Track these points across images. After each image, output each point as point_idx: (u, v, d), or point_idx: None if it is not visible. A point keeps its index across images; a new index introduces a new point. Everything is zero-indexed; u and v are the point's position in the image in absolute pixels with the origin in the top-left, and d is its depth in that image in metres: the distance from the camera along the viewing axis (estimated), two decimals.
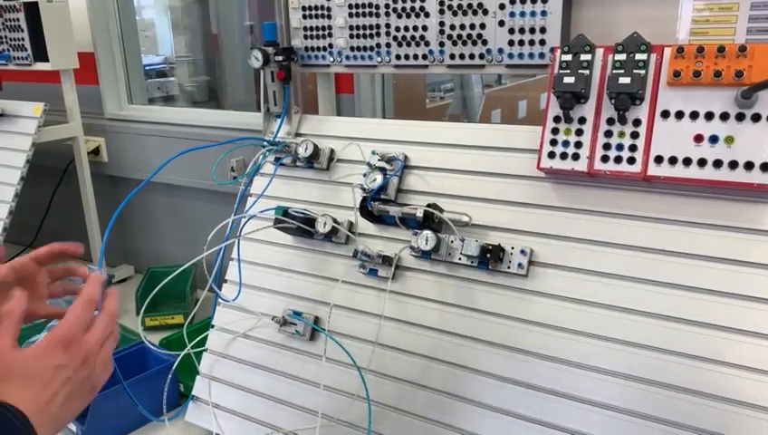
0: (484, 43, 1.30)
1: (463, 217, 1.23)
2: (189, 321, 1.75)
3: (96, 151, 2.32)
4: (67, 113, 2.11)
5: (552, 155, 1.15)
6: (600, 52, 1.12)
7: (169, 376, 1.43)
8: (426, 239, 1.23)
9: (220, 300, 1.49)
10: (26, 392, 0.66)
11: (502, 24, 1.27)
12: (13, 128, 2.04)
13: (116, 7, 2.31)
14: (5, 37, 2.05)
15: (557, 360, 1.12)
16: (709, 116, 1.02)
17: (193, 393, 1.47)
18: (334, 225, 1.34)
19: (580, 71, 1.12)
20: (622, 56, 1.09)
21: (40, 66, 2.02)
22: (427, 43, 1.36)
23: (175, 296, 2.01)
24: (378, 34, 1.42)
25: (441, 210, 1.25)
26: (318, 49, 1.51)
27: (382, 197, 1.33)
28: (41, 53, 1.99)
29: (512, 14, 1.26)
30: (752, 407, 0.96)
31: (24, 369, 0.68)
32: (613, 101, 1.09)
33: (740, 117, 1.00)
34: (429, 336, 1.25)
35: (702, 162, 1.03)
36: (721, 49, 1.01)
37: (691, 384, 1.01)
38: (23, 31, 1.99)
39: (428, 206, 1.24)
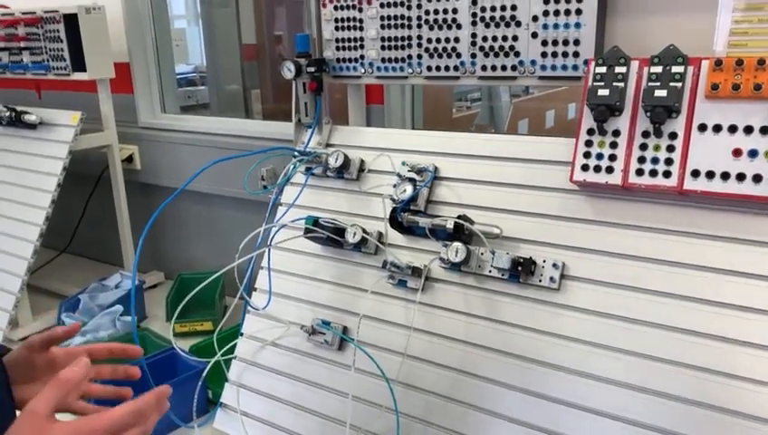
0: (517, 54, 1.29)
1: (494, 230, 1.23)
2: (219, 328, 1.77)
3: (130, 159, 2.37)
4: (102, 122, 2.16)
5: (585, 168, 1.14)
6: (635, 64, 1.11)
7: (200, 383, 1.45)
8: (456, 251, 1.22)
9: (250, 308, 1.50)
10: None
11: (535, 35, 1.27)
12: (51, 136, 2.09)
13: (151, 19, 2.36)
14: (45, 48, 2.11)
15: (589, 376, 1.10)
16: (748, 130, 1.00)
17: (221, 400, 1.49)
18: (364, 235, 1.35)
19: (614, 83, 1.11)
20: (658, 69, 1.08)
21: (78, 76, 2.07)
22: (458, 55, 1.36)
23: (204, 303, 2.03)
24: (409, 46, 1.42)
25: (472, 222, 1.25)
26: (349, 60, 1.52)
27: (412, 208, 1.33)
28: (79, 63, 2.04)
29: (545, 26, 1.25)
30: None
31: None
32: (649, 114, 1.07)
33: None
34: (458, 349, 1.24)
35: (741, 177, 1.01)
36: (761, 62, 0.99)
37: (728, 404, 0.98)
38: (62, 41, 2.05)
39: (459, 217, 1.24)
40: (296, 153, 1.49)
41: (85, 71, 2.04)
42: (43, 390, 0.68)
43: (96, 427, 0.67)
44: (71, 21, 2.01)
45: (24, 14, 2.11)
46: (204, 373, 1.46)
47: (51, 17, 2.04)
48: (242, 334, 1.52)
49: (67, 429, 0.66)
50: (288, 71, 1.50)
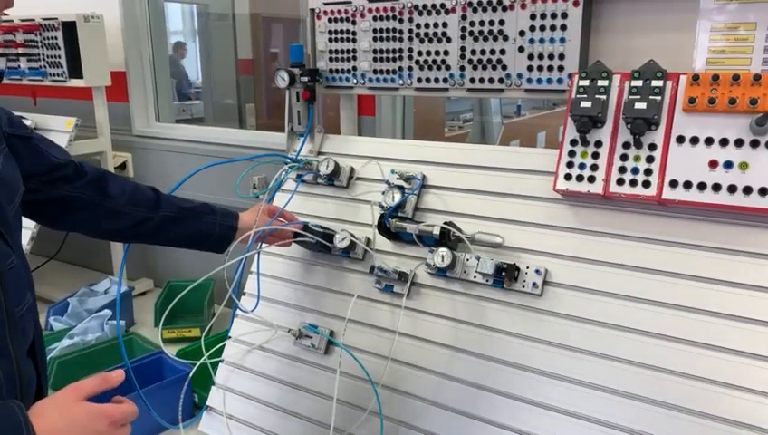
0: (504, 67, 1.33)
1: (495, 239, 1.22)
2: (206, 334, 1.78)
3: (123, 166, 2.39)
4: (97, 129, 2.19)
5: (568, 177, 1.18)
6: (616, 78, 1.15)
7: (186, 384, 1.45)
8: (442, 257, 1.25)
9: (238, 311, 1.52)
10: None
11: (521, 50, 1.31)
12: None
13: (149, 29, 2.40)
14: (43, 54, 2.14)
15: (570, 380, 1.12)
16: (724, 142, 1.04)
17: (207, 403, 1.49)
18: (352, 240, 1.37)
19: (597, 96, 1.15)
20: (639, 82, 1.12)
21: (74, 83, 2.10)
22: (447, 67, 1.40)
23: (193, 311, 2.04)
24: (400, 58, 1.46)
25: (458, 229, 1.27)
26: (342, 71, 1.56)
27: (400, 214, 1.35)
28: (76, 70, 2.07)
29: (531, 41, 1.29)
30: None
31: (72, 419, 0.82)
32: (629, 126, 1.11)
33: (754, 143, 1.02)
34: (443, 353, 1.26)
35: (716, 187, 1.04)
36: (736, 77, 1.03)
37: (704, 408, 1.01)
38: (59, 48, 2.08)
39: (445, 224, 1.27)
40: (288, 160, 1.52)
41: (82, 78, 2.07)
42: (90, 377, 0.87)
43: (110, 414, 0.85)
44: (69, 28, 2.04)
45: (22, 20, 2.15)
46: (190, 375, 1.46)
47: (49, 24, 2.08)
48: (229, 337, 1.53)
49: (92, 409, 0.84)
50: (282, 80, 1.53)
